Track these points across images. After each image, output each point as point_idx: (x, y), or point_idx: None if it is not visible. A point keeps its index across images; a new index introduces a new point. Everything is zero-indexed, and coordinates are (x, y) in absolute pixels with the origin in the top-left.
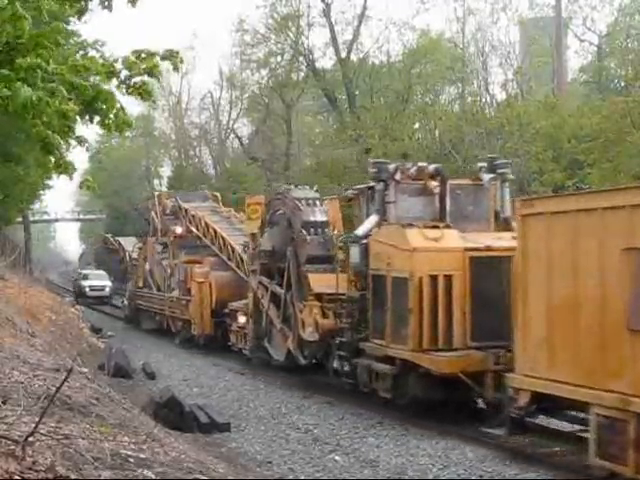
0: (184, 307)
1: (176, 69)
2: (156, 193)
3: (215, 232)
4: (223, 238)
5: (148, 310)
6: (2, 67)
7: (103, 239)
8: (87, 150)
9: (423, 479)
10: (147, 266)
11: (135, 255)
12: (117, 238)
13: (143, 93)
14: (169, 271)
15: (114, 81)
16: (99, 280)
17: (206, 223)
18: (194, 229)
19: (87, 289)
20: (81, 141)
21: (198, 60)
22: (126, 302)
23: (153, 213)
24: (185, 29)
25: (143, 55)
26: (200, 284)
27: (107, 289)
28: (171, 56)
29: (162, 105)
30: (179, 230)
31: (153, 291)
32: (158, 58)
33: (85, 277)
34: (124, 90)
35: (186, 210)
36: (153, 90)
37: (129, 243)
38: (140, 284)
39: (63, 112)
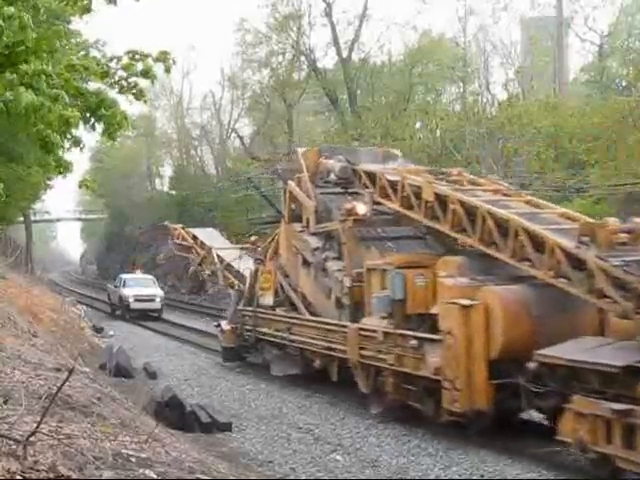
0: (415, 354)
1: (167, 71)
2: (300, 150)
3: (474, 211)
4: (502, 221)
5: (285, 345)
6: (4, 70)
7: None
8: (81, 150)
9: (424, 479)
10: (282, 272)
11: (236, 255)
12: (191, 230)
13: (137, 93)
14: (347, 282)
15: (107, 80)
16: (146, 287)
17: (439, 195)
18: (397, 207)
19: (131, 300)
20: (77, 142)
21: (199, 60)
22: (225, 328)
23: (294, 184)
24: (187, 29)
25: (137, 56)
26: (466, 311)
27: (158, 299)
28: (164, 58)
29: (163, 105)
30: (363, 210)
31: (302, 314)
32: (150, 60)
33: (126, 283)
34: (117, 89)
35: (372, 175)
36: (145, 90)
37: (208, 236)
38: (267, 301)
39: (66, 118)
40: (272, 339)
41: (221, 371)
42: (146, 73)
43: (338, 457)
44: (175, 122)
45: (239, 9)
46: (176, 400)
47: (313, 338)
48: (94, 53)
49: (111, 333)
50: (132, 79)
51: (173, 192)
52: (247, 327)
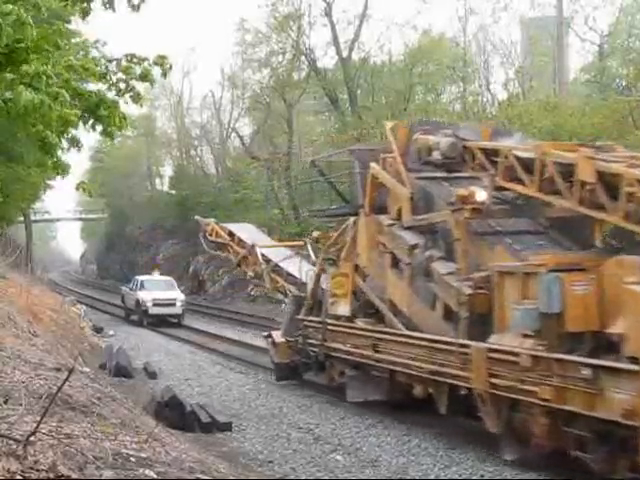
0: (588, 388)
1: (165, 75)
2: (388, 124)
3: None
4: None
5: (368, 365)
6: (3, 69)
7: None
8: (79, 150)
9: (425, 479)
10: (361, 275)
11: (285, 254)
12: (226, 225)
13: (134, 96)
14: (466, 289)
15: (105, 82)
16: (165, 290)
17: (604, 175)
18: (533, 192)
19: (149, 304)
20: (75, 142)
21: (199, 60)
22: (279, 340)
23: (378, 167)
24: (187, 29)
25: (135, 59)
26: None
27: (178, 303)
28: (161, 62)
29: (163, 105)
30: (483, 196)
31: (393, 327)
32: (147, 63)
33: (143, 286)
34: (115, 92)
35: (494, 153)
36: (145, 90)
37: (247, 233)
38: (341, 310)
39: (65, 118)
40: (348, 357)
41: (221, 371)
42: (145, 76)
43: (338, 457)
44: (175, 122)
45: (239, 9)
46: (176, 400)
47: (412, 358)
48: (94, 53)
49: (111, 333)
50: (130, 82)
51: (173, 192)
52: (312, 341)
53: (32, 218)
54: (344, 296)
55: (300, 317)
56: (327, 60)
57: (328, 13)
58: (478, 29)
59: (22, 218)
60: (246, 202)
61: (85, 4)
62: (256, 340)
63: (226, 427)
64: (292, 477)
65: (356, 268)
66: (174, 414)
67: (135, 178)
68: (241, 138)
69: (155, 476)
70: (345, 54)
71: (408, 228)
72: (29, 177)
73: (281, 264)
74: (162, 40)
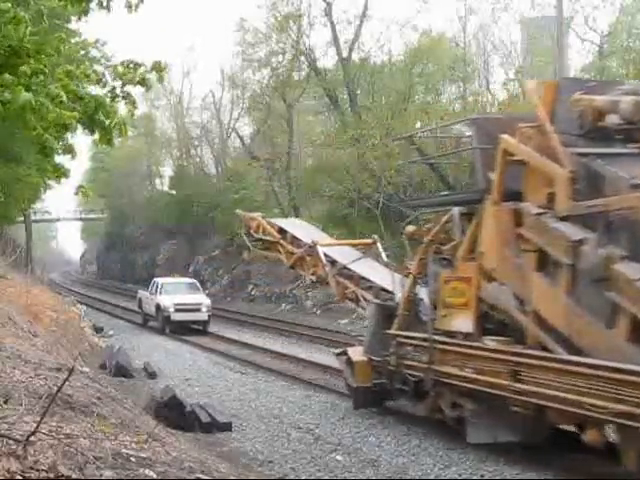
0: None
1: (160, 80)
2: (531, 83)
3: None
4: None
5: (498, 397)
6: (4, 70)
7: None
8: (73, 158)
9: (425, 479)
10: (488, 279)
11: (354, 255)
12: (274, 220)
13: (129, 103)
14: None
15: (101, 87)
16: (189, 294)
17: None
18: None
19: (171, 310)
20: (69, 149)
21: (199, 60)
22: (357, 359)
23: (513, 141)
24: (187, 29)
25: (132, 65)
26: None
27: (204, 309)
28: (158, 68)
29: (163, 105)
30: None
31: (553, 351)
32: (142, 69)
33: (163, 289)
34: (110, 98)
35: None
36: (136, 101)
37: (302, 230)
38: (460, 325)
39: (64, 120)
40: (469, 385)
41: (221, 371)
42: (142, 80)
43: (338, 457)
44: (175, 122)
45: (239, 9)
46: (176, 400)
47: (581, 393)
48: (94, 53)
49: (111, 333)
50: (126, 88)
51: (173, 192)
52: (411, 362)
53: (32, 218)
54: (464, 307)
55: (392, 332)
56: (327, 60)
57: (328, 13)
58: (478, 29)
59: (22, 218)
60: (246, 202)
61: (84, 4)
62: (256, 340)
63: (226, 427)
64: (292, 477)
65: (481, 271)
66: (174, 414)
67: (135, 178)
68: (241, 138)
69: (155, 476)
70: (345, 54)
71: (565, 218)
72: (29, 177)
73: (351, 266)
74: (162, 40)
